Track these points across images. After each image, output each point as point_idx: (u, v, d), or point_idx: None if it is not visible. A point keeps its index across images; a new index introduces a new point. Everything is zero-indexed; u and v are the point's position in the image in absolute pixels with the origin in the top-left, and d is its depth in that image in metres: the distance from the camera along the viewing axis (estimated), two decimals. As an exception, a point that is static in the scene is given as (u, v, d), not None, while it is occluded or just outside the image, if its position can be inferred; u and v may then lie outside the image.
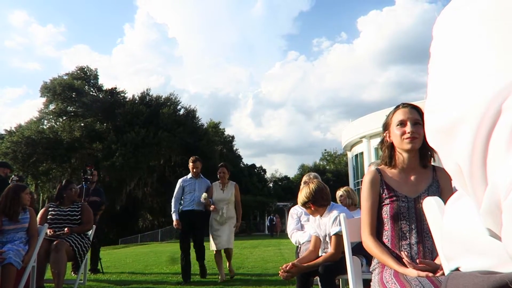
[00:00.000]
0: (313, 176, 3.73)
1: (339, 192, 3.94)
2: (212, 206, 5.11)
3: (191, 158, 5.51)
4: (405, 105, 1.74)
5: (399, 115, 1.71)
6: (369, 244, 1.71)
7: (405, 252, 1.63)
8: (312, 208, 2.65)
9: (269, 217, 29.08)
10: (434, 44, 0.48)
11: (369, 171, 1.90)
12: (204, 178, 5.49)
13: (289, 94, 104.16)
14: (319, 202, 2.63)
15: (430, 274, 1.44)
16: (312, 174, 3.88)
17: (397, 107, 1.76)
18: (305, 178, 3.73)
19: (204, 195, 5.09)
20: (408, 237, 1.66)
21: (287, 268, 2.38)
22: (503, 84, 0.35)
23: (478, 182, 0.37)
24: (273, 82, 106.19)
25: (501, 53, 0.37)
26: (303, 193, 2.67)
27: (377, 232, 1.74)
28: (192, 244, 5.31)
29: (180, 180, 5.52)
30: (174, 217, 5.23)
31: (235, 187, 5.37)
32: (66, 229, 3.90)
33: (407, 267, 1.53)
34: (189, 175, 5.47)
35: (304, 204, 2.67)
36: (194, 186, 5.34)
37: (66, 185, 4.28)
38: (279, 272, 2.42)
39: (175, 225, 5.18)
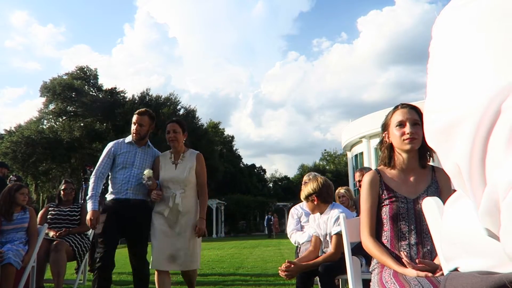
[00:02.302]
0: (313, 176, 3.72)
1: (341, 191, 3.87)
2: (155, 192, 2.96)
3: (136, 111, 3.23)
4: (404, 105, 1.74)
5: (398, 116, 1.71)
6: (369, 245, 1.71)
7: (405, 253, 1.63)
8: (315, 202, 2.63)
9: (266, 217, 28.58)
10: (433, 44, 0.48)
11: (368, 172, 1.90)
12: (152, 148, 3.28)
13: (289, 95, 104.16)
14: (323, 197, 2.62)
15: (429, 274, 1.44)
16: (312, 173, 3.85)
17: (396, 108, 1.76)
18: (305, 178, 3.72)
19: (148, 171, 2.96)
20: (407, 237, 1.66)
21: (285, 267, 2.38)
22: (502, 84, 0.35)
23: (477, 182, 0.37)
24: (273, 82, 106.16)
25: (500, 53, 0.37)
26: (309, 186, 2.65)
27: (376, 232, 1.74)
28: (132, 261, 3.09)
29: (110, 144, 3.18)
30: (89, 206, 2.95)
31: (196, 158, 3.12)
32: (63, 229, 3.92)
33: (407, 267, 1.53)
34: (128, 138, 3.20)
35: (308, 197, 2.64)
36: (132, 157, 3.10)
37: (62, 185, 4.32)
38: (279, 272, 2.42)
39: (89, 220, 2.92)
